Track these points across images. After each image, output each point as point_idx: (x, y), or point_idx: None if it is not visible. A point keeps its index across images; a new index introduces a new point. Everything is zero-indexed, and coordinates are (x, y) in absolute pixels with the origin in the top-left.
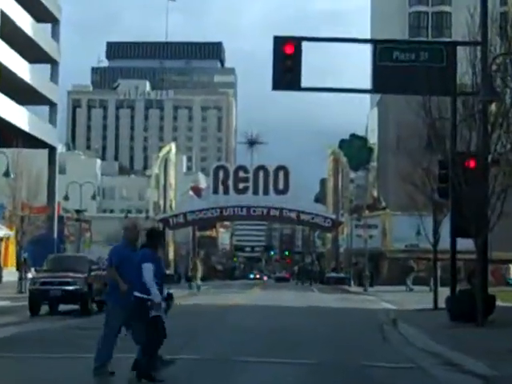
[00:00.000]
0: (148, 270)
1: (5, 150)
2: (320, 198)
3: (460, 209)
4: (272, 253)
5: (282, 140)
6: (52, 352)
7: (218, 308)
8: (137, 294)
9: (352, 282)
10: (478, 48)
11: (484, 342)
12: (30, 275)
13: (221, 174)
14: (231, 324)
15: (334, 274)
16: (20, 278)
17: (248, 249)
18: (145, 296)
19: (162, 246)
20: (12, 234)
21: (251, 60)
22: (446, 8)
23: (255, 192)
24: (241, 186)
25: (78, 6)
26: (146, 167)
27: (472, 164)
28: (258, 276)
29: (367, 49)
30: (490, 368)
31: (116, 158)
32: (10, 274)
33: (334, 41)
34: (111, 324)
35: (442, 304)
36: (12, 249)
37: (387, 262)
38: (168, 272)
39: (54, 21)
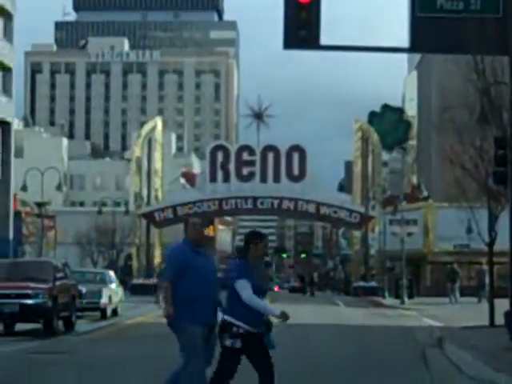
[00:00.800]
0: (243, 287)
1: None
2: (345, 186)
3: None
4: (284, 256)
5: (296, 113)
6: None
7: None
8: (227, 317)
9: (386, 293)
10: None
11: None
12: None
13: (220, 156)
14: None
15: (362, 283)
16: None
17: None
18: (238, 323)
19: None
20: None
21: (257, 11)
22: None
23: (263, 179)
24: (245, 171)
25: None
26: (124, 148)
27: None
28: None
29: None
30: None
31: (87, 137)
32: None
33: None
34: (194, 352)
35: (499, 320)
36: None
37: (430, 266)
38: (154, 281)
39: None
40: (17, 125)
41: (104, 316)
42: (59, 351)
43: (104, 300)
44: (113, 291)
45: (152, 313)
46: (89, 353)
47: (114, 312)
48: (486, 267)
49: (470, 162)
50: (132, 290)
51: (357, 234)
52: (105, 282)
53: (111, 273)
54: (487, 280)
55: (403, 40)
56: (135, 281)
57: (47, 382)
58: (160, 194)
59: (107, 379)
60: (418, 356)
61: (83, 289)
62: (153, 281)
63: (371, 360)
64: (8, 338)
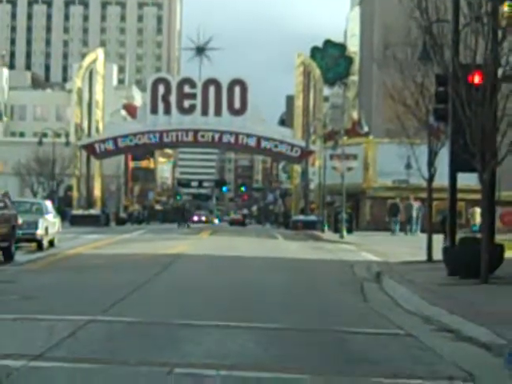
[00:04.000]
0: None
1: None
2: (286, 121)
3: (462, 136)
4: (225, 189)
5: (238, 48)
6: None
7: (157, 258)
8: None
9: (325, 227)
10: None
11: (489, 302)
12: None
13: (161, 88)
14: (174, 279)
15: (302, 217)
16: None
17: (195, 184)
18: None
19: None
20: None
21: None
22: None
23: (204, 112)
24: (186, 103)
25: None
26: (65, 79)
27: (478, 79)
28: (203, 219)
29: None
30: (495, 335)
31: (28, 68)
32: None
33: None
34: None
35: (437, 255)
36: None
37: (370, 201)
38: (93, 212)
39: None
40: None
41: (40, 247)
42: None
43: (40, 231)
44: (49, 222)
45: (90, 244)
46: (29, 282)
47: (51, 243)
48: (413, 202)
49: (411, 98)
50: (72, 220)
51: (297, 168)
52: (41, 212)
53: (48, 203)
54: (414, 214)
55: None
56: (75, 212)
57: None
58: (101, 126)
59: (48, 307)
60: (357, 289)
61: (20, 219)
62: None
63: (310, 291)
64: None
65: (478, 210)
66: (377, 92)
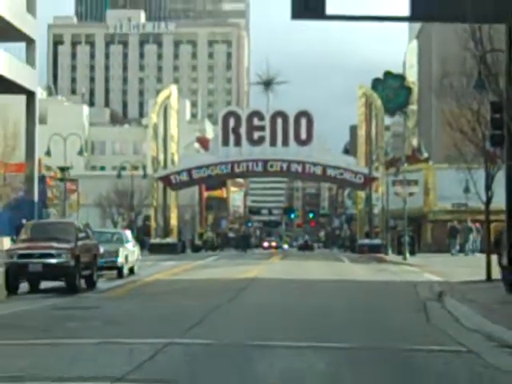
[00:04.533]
0: None
1: None
2: (350, 150)
3: None
4: (293, 215)
5: (303, 81)
6: (33, 337)
7: (230, 284)
8: None
9: (389, 250)
10: None
11: None
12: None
13: (231, 121)
14: (248, 302)
15: (367, 241)
16: None
17: (265, 211)
18: None
19: None
20: None
21: None
22: None
23: (273, 143)
24: (255, 135)
25: None
26: (142, 115)
27: None
28: (273, 244)
29: None
30: None
31: (106, 105)
32: None
33: None
34: None
35: (496, 275)
36: None
37: (431, 224)
38: (170, 240)
39: None
40: (40, 94)
41: (121, 275)
42: (82, 307)
43: (121, 259)
44: (129, 251)
45: (168, 271)
46: (110, 308)
47: (131, 270)
48: (471, 224)
49: (467, 125)
50: (150, 248)
51: (361, 194)
52: (122, 241)
53: (128, 233)
54: (472, 236)
55: (404, 9)
56: (153, 240)
57: (72, 334)
58: (176, 158)
59: (128, 331)
60: (420, 309)
61: (101, 248)
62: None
63: (376, 311)
64: (33, 296)
65: None
66: (435, 120)
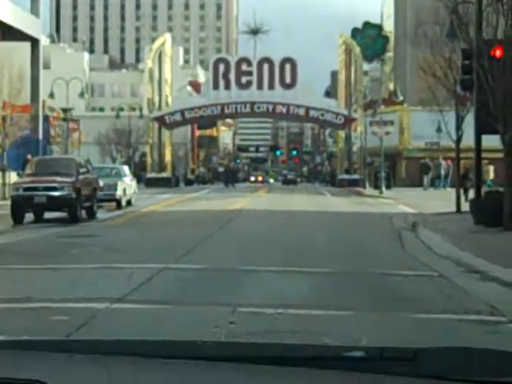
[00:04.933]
0: None
1: None
2: (331, 93)
3: (485, 103)
4: (278, 152)
5: (288, 30)
6: (37, 263)
7: (220, 214)
8: None
9: (367, 184)
10: None
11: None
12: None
13: (221, 67)
14: (236, 231)
15: (346, 176)
16: (3, 184)
17: (252, 148)
18: None
19: None
20: None
21: None
22: None
23: (259, 87)
24: (244, 80)
25: None
26: (138, 61)
27: (499, 53)
28: (259, 179)
29: None
30: None
31: (105, 51)
32: None
33: None
34: None
35: (465, 207)
36: None
37: (405, 161)
38: (165, 175)
39: None
40: (44, 41)
41: (119, 206)
42: (84, 235)
43: (119, 192)
44: (127, 184)
45: (163, 202)
46: (110, 236)
47: (129, 202)
48: (442, 161)
49: (440, 71)
50: (146, 182)
51: (341, 133)
52: (120, 176)
53: (126, 168)
54: (443, 172)
55: None
56: (149, 175)
57: (74, 260)
58: (170, 100)
59: (126, 257)
60: (395, 238)
61: (101, 182)
62: (164, 174)
63: (354, 239)
64: (38, 225)
65: (491, 168)
66: (410, 66)
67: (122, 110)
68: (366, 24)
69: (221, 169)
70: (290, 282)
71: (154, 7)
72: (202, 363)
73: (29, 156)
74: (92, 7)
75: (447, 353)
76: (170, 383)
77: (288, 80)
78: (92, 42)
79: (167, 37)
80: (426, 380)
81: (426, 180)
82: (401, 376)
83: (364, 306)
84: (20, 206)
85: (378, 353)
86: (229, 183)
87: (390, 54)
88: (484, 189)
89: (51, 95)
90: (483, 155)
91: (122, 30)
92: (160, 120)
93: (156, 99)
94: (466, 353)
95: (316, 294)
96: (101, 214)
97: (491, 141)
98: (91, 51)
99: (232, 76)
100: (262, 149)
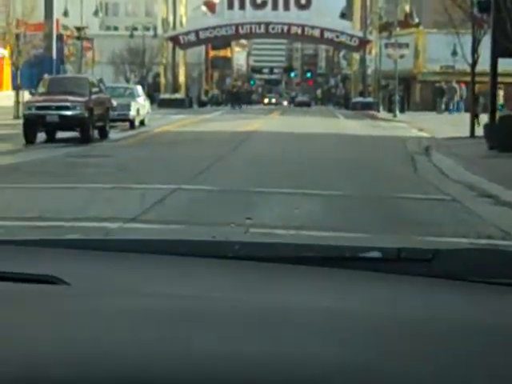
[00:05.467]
0: None
1: None
2: (346, 14)
3: (503, 25)
4: (292, 74)
5: None
6: (49, 182)
7: (232, 135)
8: None
9: (381, 108)
10: None
11: None
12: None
13: None
14: (249, 153)
15: (360, 99)
16: (16, 102)
17: (266, 70)
18: None
19: None
20: (6, 53)
21: None
22: None
23: (274, 7)
24: (259, 0)
25: None
26: None
27: None
28: (273, 101)
29: None
30: None
31: None
32: (7, 97)
33: None
34: None
35: (479, 132)
36: (7, 70)
37: (420, 85)
38: (178, 96)
39: None
40: None
41: (132, 126)
42: (96, 155)
43: (132, 112)
44: (140, 104)
45: (176, 123)
46: (122, 156)
47: (142, 123)
48: (455, 85)
49: None
50: (160, 103)
51: (356, 55)
52: (133, 96)
53: (139, 88)
54: (456, 96)
55: None
56: (162, 95)
57: (88, 179)
58: (184, 20)
59: (139, 177)
60: (408, 161)
61: (114, 102)
62: (177, 95)
63: (367, 162)
64: (50, 145)
65: (500, 93)
66: None
67: (136, 29)
68: None
69: (234, 90)
70: (302, 204)
71: None
72: (219, 261)
73: (45, 76)
74: None
75: (467, 253)
76: (196, 279)
77: (303, 1)
78: None
79: None
80: (444, 280)
81: (439, 104)
82: (419, 276)
83: (375, 228)
84: (32, 125)
85: (395, 253)
86: (234, 105)
87: None
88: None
89: (65, 13)
90: (499, 79)
91: None
92: (174, 40)
93: (170, 19)
94: (485, 254)
95: (328, 215)
96: (114, 134)
97: (504, 64)
98: None
99: None
100: (276, 70)
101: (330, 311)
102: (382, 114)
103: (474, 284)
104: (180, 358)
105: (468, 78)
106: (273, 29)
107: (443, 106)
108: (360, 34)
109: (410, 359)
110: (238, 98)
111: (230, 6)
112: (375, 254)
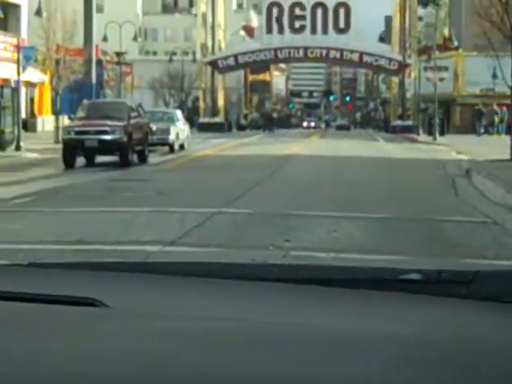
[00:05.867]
0: None
1: None
2: (385, 38)
3: None
4: (332, 98)
5: None
6: (89, 206)
7: (272, 159)
8: None
9: (420, 131)
10: None
11: None
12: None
13: (275, 11)
14: (288, 177)
15: (400, 122)
16: (56, 127)
17: (305, 94)
18: None
19: None
20: (47, 78)
21: None
22: None
23: (313, 31)
24: (297, 24)
25: None
26: (191, 5)
27: None
28: (312, 124)
29: None
30: None
31: None
32: (47, 122)
33: None
34: None
35: None
36: (47, 95)
37: (459, 108)
38: (218, 120)
39: None
40: None
41: (172, 150)
42: (136, 179)
43: (172, 136)
44: (180, 128)
45: (216, 147)
46: (162, 180)
47: (182, 147)
48: (496, 107)
49: (496, 15)
50: (199, 127)
51: (395, 79)
52: (173, 120)
53: (179, 112)
54: (496, 118)
55: None
56: (202, 119)
57: (127, 203)
58: (223, 45)
59: (179, 201)
60: (449, 184)
61: (154, 126)
62: (216, 119)
63: (408, 186)
64: (89, 169)
65: None
66: (465, 10)
67: (174, 54)
68: None
69: (274, 114)
70: (342, 227)
71: None
72: (249, 283)
73: (84, 100)
74: None
75: (507, 275)
76: (239, 301)
77: (342, 25)
78: None
79: None
80: (484, 302)
81: (479, 126)
82: (459, 298)
83: (417, 251)
84: (71, 150)
85: (435, 275)
86: (266, 129)
87: None
88: None
89: (104, 39)
90: None
91: None
92: (213, 64)
93: (209, 43)
94: None
95: (369, 238)
96: (153, 158)
97: None
98: None
99: (285, 20)
100: (315, 94)
101: (370, 334)
102: (422, 137)
103: None
104: (220, 381)
105: (508, 101)
106: (311, 53)
107: (482, 129)
108: (399, 58)
109: (450, 381)
110: (271, 122)
111: (269, 30)
112: (415, 276)
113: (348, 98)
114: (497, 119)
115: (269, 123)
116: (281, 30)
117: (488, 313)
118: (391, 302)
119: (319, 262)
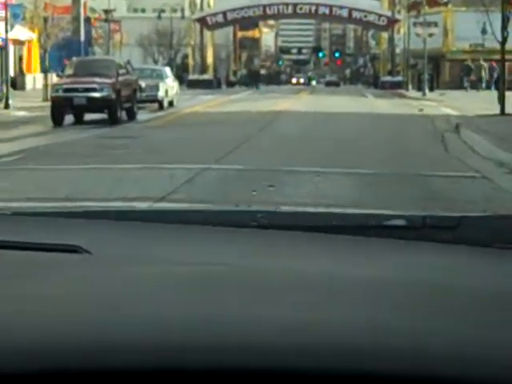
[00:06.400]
0: None
1: None
2: None
3: None
4: (321, 55)
5: None
6: (77, 163)
7: (262, 115)
8: None
9: (410, 86)
10: None
11: None
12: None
13: None
14: (278, 132)
15: (389, 78)
16: (45, 85)
17: (294, 50)
18: None
19: None
20: (35, 36)
21: None
22: None
23: None
24: None
25: None
26: None
27: None
28: (301, 81)
29: None
30: None
31: None
32: (36, 80)
33: None
34: None
35: (509, 109)
36: (36, 53)
37: (449, 63)
38: (207, 77)
39: None
40: None
41: (161, 107)
42: (125, 136)
43: (161, 93)
44: (169, 85)
45: (205, 104)
46: (151, 137)
47: (171, 103)
48: (483, 63)
49: None
50: (188, 84)
51: (384, 35)
52: (162, 77)
53: (167, 69)
54: (484, 73)
55: None
56: (191, 76)
57: (116, 160)
58: (212, 2)
59: (168, 158)
60: (438, 139)
61: (143, 83)
62: (205, 76)
63: (398, 141)
64: (78, 127)
65: None
66: None
67: (163, 11)
68: None
69: (263, 71)
70: (332, 183)
71: None
72: (233, 229)
73: (73, 58)
74: None
75: (492, 220)
76: (223, 246)
77: None
78: None
79: None
80: (469, 247)
81: (466, 82)
82: (444, 243)
83: (404, 205)
84: (60, 108)
85: (420, 221)
86: (252, 85)
87: None
88: None
89: None
90: None
91: None
92: (202, 21)
93: (198, 0)
94: (510, 220)
95: (358, 193)
96: (142, 115)
97: None
98: None
99: None
100: (304, 51)
101: (352, 277)
102: (411, 92)
103: (499, 250)
104: (198, 321)
105: (497, 56)
106: (300, 9)
107: (467, 84)
108: (388, 14)
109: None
110: (257, 79)
111: None
112: (400, 222)
113: (337, 55)
114: (484, 74)
115: (254, 80)
116: None
117: (473, 257)
118: (376, 247)
119: (304, 209)
